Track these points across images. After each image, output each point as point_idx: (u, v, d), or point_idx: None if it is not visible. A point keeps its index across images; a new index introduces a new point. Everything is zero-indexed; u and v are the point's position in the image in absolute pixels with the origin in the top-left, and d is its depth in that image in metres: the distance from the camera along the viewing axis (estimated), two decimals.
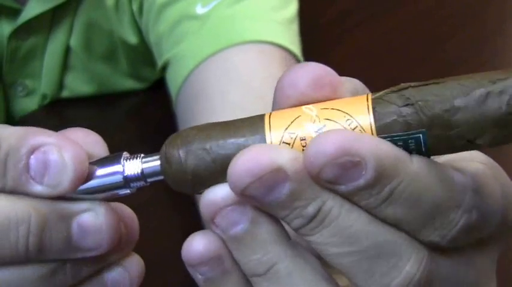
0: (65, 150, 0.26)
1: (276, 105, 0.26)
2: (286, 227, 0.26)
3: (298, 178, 0.24)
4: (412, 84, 0.25)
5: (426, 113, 0.24)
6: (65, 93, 0.76)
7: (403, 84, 0.25)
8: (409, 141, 0.24)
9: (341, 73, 0.27)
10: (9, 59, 0.71)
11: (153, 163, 0.26)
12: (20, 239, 0.25)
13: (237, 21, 0.61)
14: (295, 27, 0.64)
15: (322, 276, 0.26)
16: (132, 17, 0.70)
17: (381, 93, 0.25)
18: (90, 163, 0.27)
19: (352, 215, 0.24)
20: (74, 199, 0.27)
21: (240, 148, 0.25)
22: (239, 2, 0.62)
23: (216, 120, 0.56)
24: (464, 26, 0.88)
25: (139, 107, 0.78)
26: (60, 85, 0.75)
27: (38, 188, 0.26)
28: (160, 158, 0.26)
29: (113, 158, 0.27)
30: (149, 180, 0.27)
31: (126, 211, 0.28)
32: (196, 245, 0.26)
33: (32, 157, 0.26)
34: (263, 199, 0.24)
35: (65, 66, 0.74)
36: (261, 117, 0.26)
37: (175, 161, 0.25)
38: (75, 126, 0.29)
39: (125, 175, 0.26)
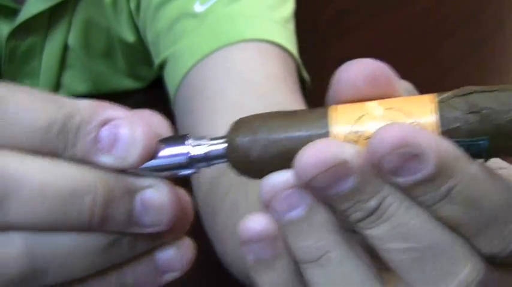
0: (136, 125, 0.27)
1: (331, 100, 0.27)
2: None
3: (362, 172, 0.25)
4: (477, 88, 0.25)
5: (491, 121, 0.24)
6: (62, 93, 0.76)
7: (467, 88, 0.25)
8: (470, 147, 0.25)
9: None
10: (7, 59, 0.71)
11: (219, 146, 0.27)
12: (85, 209, 0.26)
13: (236, 20, 0.61)
14: (291, 27, 0.64)
15: (370, 269, 0.26)
16: (130, 15, 0.70)
17: (445, 95, 0.25)
18: (159, 140, 0.27)
19: (411, 212, 0.25)
20: (138, 174, 0.27)
21: (305, 141, 0.26)
22: (237, 0, 0.62)
23: (216, 120, 0.56)
24: (464, 25, 0.89)
25: (137, 107, 0.78)
26: (58, 84, 0.75)
27: (106, 159, 0.26)
28: (225, 143, 0.27)
29: (178, 138, 0.28)
30: (212, 162, 0.28)
31: (182, 192, 0.29)
32: (254, 223, 0.27)
33: (102, 129, 0.26)
34: (326, 191, 0.25)
35: (62, 65, 0.74)
36: (325, 111, 0.26)
37: (240, 148, 0.27)
38: None
39: (190, 155, 0.27)
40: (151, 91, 0.78)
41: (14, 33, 0.69)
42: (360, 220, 0.25)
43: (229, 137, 0.27)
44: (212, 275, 0.59)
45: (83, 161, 0.26)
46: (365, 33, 0.86)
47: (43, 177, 0.25)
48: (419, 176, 0.24)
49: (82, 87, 0.76)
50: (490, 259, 0.25)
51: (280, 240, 0.27)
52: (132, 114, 0.27)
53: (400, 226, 0.25)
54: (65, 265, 0.26)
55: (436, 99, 0.25)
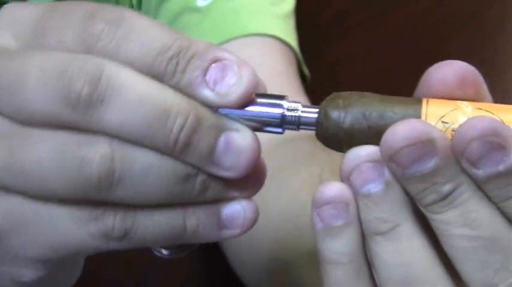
0: (243, 69, 0.28)
1: (420, 94, 0.28)
2: None
3: (445, 154, 0.26)
4: None
5: None
6: None
7: None
8: None
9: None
10: None
11: (311, 114, 0.29)
12: (174, 130, 0.27)
13: (238, 14, 0.61)
14: (292, 22, 0.64)
15: (436, 251, 0.27)
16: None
17: None
18: (256, 94, 0.28)
19: (482, 203, 0.26)
20: (229, 117, 0.28)
21: (396, 121, 0.27)
22: None
23: None
24: (465, 25, 0.88)
25: None
26: None
27: (208, 93, 0.27)
28: (319, 112, 0.29)
29: (276, 96, 0.29)
30: (301, 127, 0.29)
31: (260, 153, 0.30)
32: (331, 187, 0.28)
33: (213, 64, 0.27)
34: (408, 168, 0.26)
35: None
36: (418, 100, 0.28)
37: (333, 119, 0.28)
38: None
39: (284, 113, 0.29)
40: None
41: None
42: (432, 203, 0.26)
43: (323, 106, 0.28)
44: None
45: (186, 90, 0.27)
46: (365, 34, 0.85)
47: (143, 89, 0.27)
48: (500, 167, 0.25)
49: None
50: None
51: (353, 207, 0.28)
52: (242, 60, 0.28)
53: (468, 213, 0.26)
54: (139, 182, 0.27)
55: None
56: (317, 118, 0.29)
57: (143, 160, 0.27)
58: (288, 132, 0.29)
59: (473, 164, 0.26)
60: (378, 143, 0.27)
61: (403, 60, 0.82)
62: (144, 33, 0.27)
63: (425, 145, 0.26)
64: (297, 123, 0.29)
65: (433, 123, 0.27)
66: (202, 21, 0.62)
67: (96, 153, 0.27)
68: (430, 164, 0.26)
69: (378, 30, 0.86)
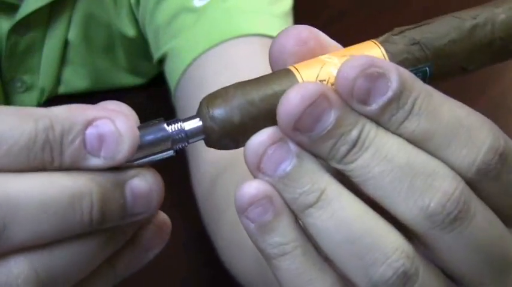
0: (118, 121, 0.27)
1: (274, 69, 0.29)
2: None
3: (340, 104, 0.27)
4: (406, 27, 0.29)
5: (429, 48, 0.28)
6: (62, 89, 0.76)
7: (398, 28, 0.29)
8: (417, 74, 0.28)
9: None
10: (8, 55, 0.71)
11: (194, 124, 0.28)
12: (84, 213, 0.26)
13: (235, 14, 0.61)
14: (291, 21, 0.64)
15: (363, 202, 0.27)
16: (130, 9, 0.70)
17: (383, 37, 0.29)
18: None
19: (387, 135, 0.27)
20: (123, 166, 0.27)
21: (280, 96, 0.27)
22: None
23: None
24: None
25: (138, 103, 0.78)
26: (58, 80, 0.75)
27: (96, 161, 0.27)
28: (202, 118, 0.28)
29: (154, 123, 0.28)
30: (191, 140, 0.28)
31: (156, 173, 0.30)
32: (247, 188, 0.28)
33: (86, 132, 0.26)
34: (313, 130, 0.26)
35: (62, 61, 0.74)
36: (287, 70, 0.28)
37: (220, 117, 0.27)
38: None
39: (171, 137, 0.28)
40: (151, 87, 0.78)
41: (14, 29, 0.69)
42: (346, 154, 0.27)
43: (204, 112, 0.28)
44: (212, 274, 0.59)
45: (73, 166, 0.26)
46: (364, 34, 0.86)
47: (40, 193, 0.25)
48: (389, 93, 0.26)
49: (82, 83, 0.76)
50: (467, 178, 0.27)
51: (276, 196, 0.28)
52: (110, 110, 0.27)
53: (380, 149, 0.27)
54: (71, 272, 0.27)
55: (378, 41, 0.29)
56: (203, 124, 0.28)
57: (67, 253, 0.27)
58: None
59: (364, 101, 0.27)
60: (271, 125, 0.27)
61: None
62: (4, 134, 0.25)
63: (321, 101, 0.26)
64: (185, 139, 0.28)
65: None
66: (199, 22, 0.62)
67: (17, 278, 0.26)
68: (332, 117, 0.26)
69: (377, 29, 0.87)
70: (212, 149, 0.29)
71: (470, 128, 0.27)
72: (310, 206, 0.27)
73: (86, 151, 0.26)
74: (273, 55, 0.29)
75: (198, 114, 0.28)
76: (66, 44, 0.73)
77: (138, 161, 0.27)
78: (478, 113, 0.28)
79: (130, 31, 0.72)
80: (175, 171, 0.62)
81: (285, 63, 0.28)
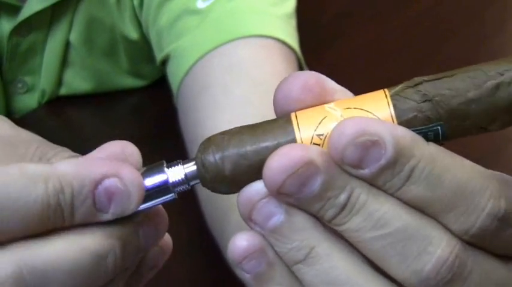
0: (124, 177, 0.27)
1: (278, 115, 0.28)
2: None
3: (328, 168, 0.26)
4: (426, 78, 0.26)
5: (443, 107, 0.26)
6: (63, 91, 0.76)
7: (416, 79, 0.27)
8: (428, 133, 0.26)
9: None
10: (9, 56, 0.71)
11: (193, 167, 0.28)
12: (109, 268, 0.27)
13: (239, 16, 0.61)
14: (294, 22, 0.64)
15: (358, 257, 0.27)
16: (133, 12, 0.70)
17: (397, 88, 0.27)
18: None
19: (379, 199, 0.26)
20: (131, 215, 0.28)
21: (272, 151, 0.26)
22: None
23: (220, 116, 0.57)
24: (463, 26, 0.89)
25: (139, 105, 0.79)
26: (59, 82, 0.75)
27: (105, 217, 0.27)
28: (196, 164, 0.28)
29: (155, 167, 0.29)
30: (191, 183, 0.28)
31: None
32: (240, 241, 0.28)
33: (95, 192, 0.27)
34: (299, 195, 0.26)
35: (64, 62, 0.74)
36: (287, 119, 0.27)
37: (211, 166, 0.27)
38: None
39: (170, 181, 0.28)
40: (153, 89, 0.78)
41: (16, 31, 0.69)
42: (334, 217, 0.26)
43: (198, 157, 0.28)
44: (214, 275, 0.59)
45: (83, 223, 0.27)
46: (365, 35, 0.86)
47: (66, 260, 0.26)
48: (382, 162, 0.25)
49: (84, 85, 0.76)
50: (464, 238, 0.26)
51: (269, 249, 0.28)
52: (116, 165, 0.28)
53: (371, 215, 0.26)
54: None
55: (389, 93, 0.27)
56: (197, 171, 0.28)
57: None
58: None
59: (356, 167, 0.26)
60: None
61: (403, 60, 0.82)
62: (14, 204, 0.26)
63: (305, 169, 0.25)
64: (185, 182, 0.28)
65: (308, 140, 0.27)
66: (202, 23, 0.62)
67: None
68: (317, 182, 0.26)
69: (378, 30, 0.87)
70: None
71: (471, 194, 0.26)
72: (299, 262, 0.27)
73: (95, 209, 0.27)
74: (277, 99, 0.28)
75: (195, 158, 0.28)
76: (67, 45, 0.73)
77: (142, 207, 0.28)
78: (482, 172, 0.26)
79: (133, 34, 0.72)
80: None
81: (289, 108, 0.28)
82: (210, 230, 0.56)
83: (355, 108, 0.26)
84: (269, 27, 0.61)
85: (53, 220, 0.26)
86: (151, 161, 0.29)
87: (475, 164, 0.26)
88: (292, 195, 0.26)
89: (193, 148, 0.58)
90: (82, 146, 0.31)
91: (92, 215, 0.27)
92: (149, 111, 0.78)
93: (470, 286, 0.26)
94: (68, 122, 0.78)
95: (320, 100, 0.27)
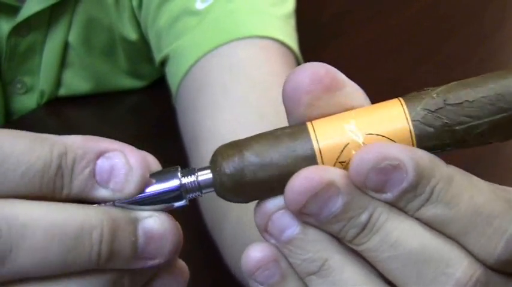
0: (130, 155, 0.27)
1: (289, 110, 0.28)
2: None
3: (349, 190, 0.26)
4: (447, 100, 0.26)
5: (463, 136, 0.27)
6: (62, 91, 0.76)
7: (436, 97, 0.27)
8: (440, 154, 0.27)
9: (341, 72, 0.27)
10: (8, 56, 0.71)
11: (208, 175, 0.28)
12: (93, 246, 0.26)
13: (238, 16, 0.61)
14: (293, 23, 0.64)
15: (371, 271, 0.27)
16: (132, 12, 0.70)
17: (418, 109, 0.27)
18: (150, 176, 0.28)
19: (399, 219, 0.26)
20: (135, 209, 0.27)
21: (292, 163, 0.27)
22: None
23: (219, 116, 0.56)
24: (463, 25, 0.89)
25: (138, 106, 0.79)
26: (58, 82, 0.75)
27: (103, 192, 0.27)
28: (212, 172, 0.28)
29: (169, 171, 0.28)
30: (204, 191, 0.28)
31: (176, 222, 0.29)
32: (254, 252, 0.28)
33: (97, 162, 0.27)
34: (320, 215, 0.26)
35: (63, 63, 0.74)
36: (304, 128, 0.27)
37: (227, 176, 0.27)
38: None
39: (182, 187, 0.28)
40: (152, 89, 0.78)
41: (15, 31, 0.69)
42: (355, 237, 0.26)
43: (214, 164, 0.28)
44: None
45: (81, 196, 0.26)
46: (364, 34, 0.86)
47: (49, 221, 0.25)
48: (404, 185, 0.26)
49: (83, 86, 0.76)
50: (487, 263, 0.26)
51: (283, 260, 0.28)
52: (124, 144, 0.27)
53: (389, 234, 0.26)
54: None
55: (410, 117, 0.27)
56: (213, 177, 0.28)
57: None
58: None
59: (378, 191, 0.26)
60: (281, 186, 0.26)
61: (403, 60, 0.82)
62: (19, 159, 0.25)
63: (326, 190, 0.26)
64: (198, 190, 0.28)
65: (331, 163, 0.27)
66: (201, 24, 0.62)
67: None
68: (338, 204, 0.26)
69: (377, 30, 0.87)
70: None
71: (490, 216, 0.26)
72: (312, 273, 0.27)
73: (95, 180, 0.26)
74: (287, 91, 0.28)
75: (210, 166, 0.28)
76: (66, 46, 0.73)
77: (150, 207, 0.27)
78: (500, 195, 0.26)
79: (132, 34, 0.72)
80: None
81: (299, 100, 0.27)
82: (208, 230, 0.56)
83: (377, 135, 0.27)
84: (268, 27, 0.61)
85: (53, 183, 0.26)
86: None
87: (492, 184, 0.27)
88: (313, 216, 0.26)
89: (192, 147, 0.58)
90: None
91: (90, 187, 0.26)
92: (148, 111, 0.78)
93: None
94: (67, 123, 0.78)
95: (329, 92, 0.27)
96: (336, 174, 0.26)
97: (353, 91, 0.28)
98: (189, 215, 0.57)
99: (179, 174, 0.28)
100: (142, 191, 0.27)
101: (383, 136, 0.26)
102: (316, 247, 0.27)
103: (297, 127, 0.27)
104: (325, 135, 0.27)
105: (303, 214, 0.26)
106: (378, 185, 0.26)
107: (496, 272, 0.26)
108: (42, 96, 0.75)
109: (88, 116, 0.78)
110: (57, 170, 0.26)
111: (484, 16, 0.91)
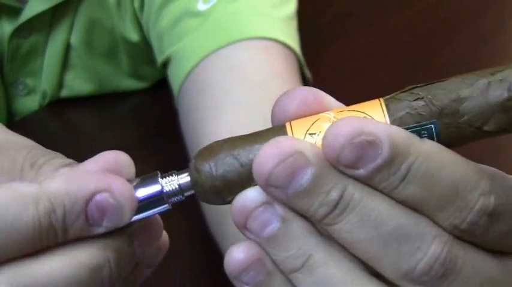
0: (115, 191, 0.27)
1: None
2: None
3: (319, 162, 0.25)
4: (419, 85, 0.27)
5: (435, 104, 0.26)
6: (64, 93, 0.76)
7: (409, 86, 0.27)
8: (422, 132, 0.26)
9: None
10: (10, 58, 0.71)
11: (187, 177, 0.28)
12: (104, 280, 0.27)
13: (239, 18, 0.61)
14: (294, 24, 0.64)
15: (356, 264, 0.27)
16: (134, 14, 0.71)
17: (391, 95, 0.27)
18: (129, 180, 0.28)
19: (374, 199, 0.26)
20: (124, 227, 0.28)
21: None
22: None
23: (220, 117, 0.57)
24: (464, 27, 0.89)
25: (140, 107, 0.79)
26: (60, 84, 0.75)
27: (98, 230, 0.27)
28: (189, 171, 0.28)
29: (149, 178, 0.28)
30: (186, 194, 0.28)
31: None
32: (237, 253, 0.27)
33: (87, 209, 0.27)
34: (288, 188, 0.25)
35: (65, 64, 0.74)
36: (282, 126, 0.27)
37: (205, 171, 0.27)
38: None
39: (164, 191, 0.28)
40: (154, 91, 0.78)
41: (17, 33, 0.69)
42: (326, 216, 0.26)
43: (192, 164, 0.28)
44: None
45: (76, 238, 0.27)
46: (366, 35, 0.86)
47: (64, 275, 0.26)
48: (378, 161, 0.25)
49: (85, 87, 0.76)
50: (454, 233, 0.26)
51: (267, 258, 0.27)
52: (107, 178, 0.27)
53: (365, 214, 0.25)
54: None
55: (384, 98, 0.27)
56: (191, 178, 0.28)
57: None
58: None
59: (351, 166, 0.25)
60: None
61: (403, 61, 0.82)
62: (7, 227, 0.26)
63: (295, 158, 0.25)
64: (180, 193, 0.28)
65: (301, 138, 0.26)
66: (203, 25, 0.62)
67: None
68: (308, 175, 0.25)
69: (378, 32, 0.87)
70: None
71: (464, 191, 0.26)
72: (296, 270, 0.27)
73: (89, 223, 0.27)
74: (275, 112, 0.28)
75: (188, 167, 0.28)
76: (68, 47, 0.73)
77: (136, 218, 0.28)
78: (474, 168, 0.26)
79: (133, 36, 0.72)
80: None
81: (285, 122, 0.27)
82: (210, 231, 0.56)
83: (348, 110, 0.26)
84: (270, 29, 0.61)
85: (46, 239, 0.26)
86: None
87: (467, 159, 0.26)
88: (281, 188, 0.26)
89: (194, 149, 0.58)
90: (83, 148, 0.31)
91: (85, 230, 0.27)
92: (150, 113, 0.78)
93: (463, 280, 0.26)
94: (69, 124, 0.78)
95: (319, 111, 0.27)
96: (306, 145, 0.26)
97: None
98: (189, 215, 0.57)
99: (159, 179, 0.28)
100: (132, 217, 0.28)
101: (354, 111, 0.26)
102: (299, 243, 0.26)
103: (275, 127, 0.28)
104: (300, 123, 0.27)
105: (270, 185, 0.26)
106: (352, 160, 0.25)
107: (463, 241, 0.26)
108: (44, 97, 0.75)
109: (90, 117, 0.78)
110: (48, 228, 0.26)
111: (485, 18, 0.91)
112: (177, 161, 0.62)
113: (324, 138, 0.25)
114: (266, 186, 0.26)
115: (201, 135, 0.57)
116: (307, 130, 0.26)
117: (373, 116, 0.26)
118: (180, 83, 0.62)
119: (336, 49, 0.83)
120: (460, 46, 0.85)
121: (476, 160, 0.27)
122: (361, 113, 0.26)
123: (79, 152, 0.31)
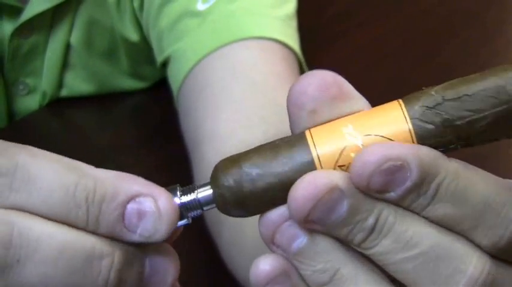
0: (160, 200, 0.27)
1: (292, 115, 0.27)
2: None
3: (353, 193, 0.26)
4: (444, 94, 0.26)
5: (465, 130, 0.26)
6: (64, 92, 0.76)
7: (435, 94, 0.26)
8: (444, 151, 0.26)
9: (340, 73, 0.27)
10: (10, 57, 0.71)
11: (207, 191, 0.27)
12: (102, 272, 0.26)
13: (239, 17, 0.61)
14: (294, 24, 0.64)
15: (383, 278, 0.27)
16: (133, 13, 0.71)
17: (416, 108, 0.26)
18: None
19: (407, 220, 0.26)
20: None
21: (291, 172, 0.26)
22: None
23: (220, 117, 0.57)
24: (464, 26, 0.89)
25: (140, 107, 0.79)
26: (60, 84, 0.75)
27: (131, 237, 0.26)
28: (212, 185, 0.27)
29: (169, 190, 0.28)
30: (205, 208, 0.28)
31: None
32: (263, 265, 0.27)
33: (128, 206, 0.26)
34: (326, 220, 0.26)
35: (65, 64, 0.74)
36: (301, 134, 0.27)
37: (227, 190, 0.27)
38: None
39: (184, 206, 0.27)
40: (154, 90, 0.78)
41: (17, 32, 0.69)
42: (363, 241, 0.26)
43: (214, 179, 0.27)
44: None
45: (106, 235, 0.26)
46: (366, 34, 0.86)
47: (62, 239, 0.25)
48: (408, 184, 0.25)
49: (85, 87, 0.76)
50: (492, 253, 0.26)
51: (293, 271, 0.27)
52: (154, 186, 0.27)
53: (399, 235, 0.26)
54: None
55: (408, 115, 0.26)
56: (213, 192, 0.27)
57: None
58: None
59: (382, 191, 0.25)
60: (282, 195, 0.26)
61: (403, 61, 0.82)
62: (42, 181, 0.25)
63: (331, 195, 0.25)
64: (199, 207, 0.28)
65: (331, 167, 0.26)
66: (202, 25, 0.62)
67: None
68: (344, 207, 0.25)
69: (378, 31, 0.87)
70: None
71: (497, 208, 0.26)
72: (324, 285, 0.27)
73: (123, 224, 0.26)
74: (292, 94, 0.27)
75: (210, 182, 0.28)
76: (68, 47, 0.73)
77: None
78: (505, 184, 0.26)
79: (133, 36, 0.72)
80: (178, 172, 0.62)
81: (303, 105, 0.27)
82: (208, 230, 0.56)
83: (375, 135, 0.26)
84: (269, 29, 0.61)
85: (75, 215, 0.26)
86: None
87: (496, 176, 0.26)
88: (320, 222, 0.26)
89: (193, 149, 0.58)
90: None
91: (117, 230, 0.26)
92: (150, 112, 0.78)
93: None
94: (69, 124, 0.78)
95: (335, 101, 0.27)
96: (338, 177, 0.26)
97: (358, 105, 0.27)
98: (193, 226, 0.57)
99: (178, 193, 0.28)
100: (170, 234, 0.27)
101: (382, 136, 0.26)
102: (327, 257, 0.26)
103: (295, 136, 0.27)
104: (323, 140, 0.26)
105: (309, 221, 0.26)
106: (381, 187, 0.25)
107: (501, 261, 0.26)
108: (44, 97, 0.75)
109: (90, 117, 0.78)
110: (79, 203, 0.26)
111: (486, 18, 0.91)
112: (177, 161, 0.62)
113: (352, 167, 0.25)
114: (304, 223, 0.26)
115: (201, 135, 0.57)
116: (336, 162, 0.26)
117: (394, 118, 0.26)
118: (180, 82, 0.62)
119: (335, 49, 0.83)
120: (460, 46, 0.85)
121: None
122: (388, 141, 0.26)
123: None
